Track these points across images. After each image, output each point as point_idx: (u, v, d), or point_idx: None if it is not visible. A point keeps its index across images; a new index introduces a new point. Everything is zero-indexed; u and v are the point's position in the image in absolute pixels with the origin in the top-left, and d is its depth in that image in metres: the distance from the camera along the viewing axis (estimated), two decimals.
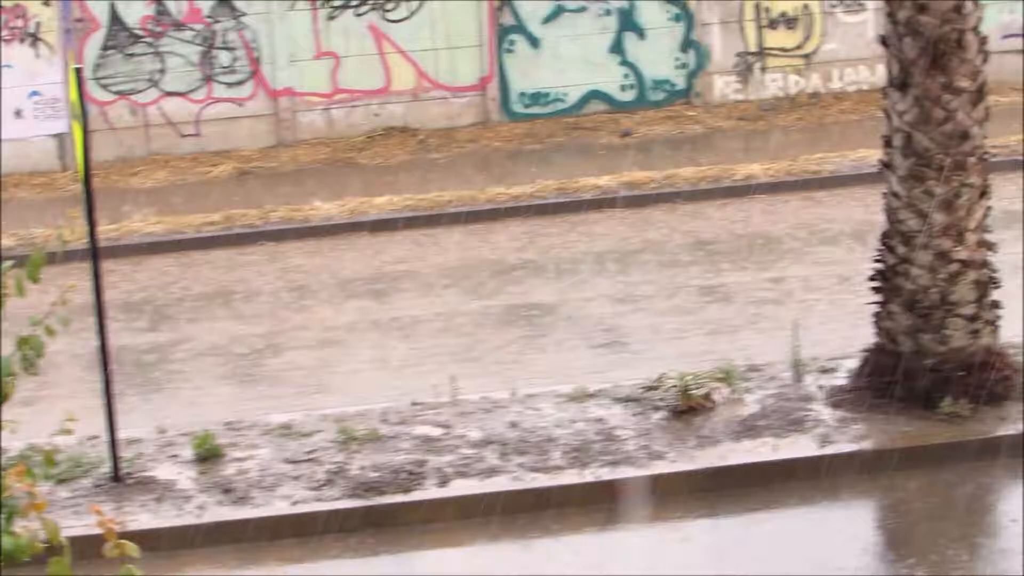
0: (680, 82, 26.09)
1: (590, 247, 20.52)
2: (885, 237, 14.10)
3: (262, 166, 24.41)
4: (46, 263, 8.71)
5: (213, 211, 22.31)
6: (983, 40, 13.83)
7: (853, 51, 25.76)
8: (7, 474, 9.64)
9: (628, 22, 25.92)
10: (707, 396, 14.41)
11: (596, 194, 22.22)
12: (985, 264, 13.93)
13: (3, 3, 24.96)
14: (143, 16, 25.15)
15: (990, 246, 13.94)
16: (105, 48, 25.09)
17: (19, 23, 24.98)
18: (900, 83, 13.85)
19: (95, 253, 13.16)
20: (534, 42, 25.88)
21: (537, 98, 25.91)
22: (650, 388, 14.79)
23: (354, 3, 25.42)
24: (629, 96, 25.99)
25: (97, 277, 13.13)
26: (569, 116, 25.78)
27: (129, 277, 18.40)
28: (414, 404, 14.78)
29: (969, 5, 13.64)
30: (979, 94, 13.74)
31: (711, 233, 20.73)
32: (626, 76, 26.05)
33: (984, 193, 13.82)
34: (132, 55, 25.21)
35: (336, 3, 25.40)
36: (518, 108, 25.88)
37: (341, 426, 14.12)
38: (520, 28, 25.81)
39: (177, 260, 20.89)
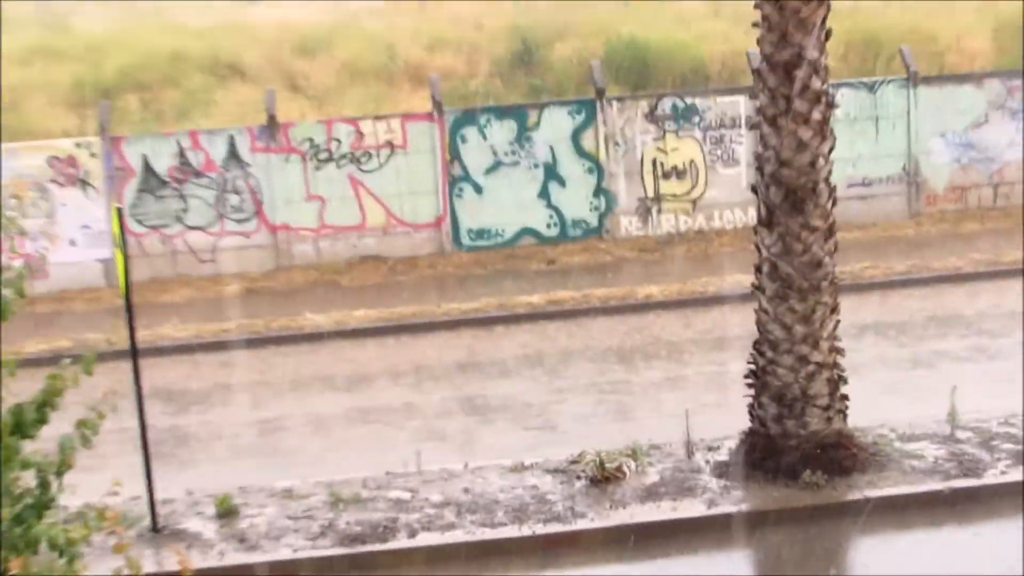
0: (593, 221, 26.32)
1: (524, 351, 20.66)
2: (756, 344, 14.35)
3: (265, 286, 24.51)
4: (96, 360, 8.94)
5: (227, 321, 22.39)
6: (832, 188, 14.07)
7: (730, 197, 26.02)
8: (73, 528, 9.79)
9: (552, 173, 26.16)
10: (619, 468, 14.58)
11: (528, 310, 22.42)
12: (836, 365, 14.21)
13: (59, 155, 25.07)
14: (170, 166, 25.31)
15: (839, 351, 14.23)
16: (140, 191, 25.22)
17: (72, 171, 25.10)
18: (767, 222, 14.07)
19: (134, 353, 13.31)
20: (478, 189, 26.09)
21: (481, 233, 26.09)
22: (573, 462, 14.93)
23: (336, 157, 25.60)
24: (553, 232, 26.19)
25: (136, 371, 13.28)
26: (506, 248, 25.96)
27: (161, 372, 18.38)
28: (388, 473, 14.90)
29: (821, 161, 13.88)
30: (830, 231, 14.00)
31: (619, 340, 20.91)
32: (551, 216, 26.26)
33: (834, 310, 14.10)
34: (161, 197, 25.34)
35: (322, 157, 25.57)
36: (466, 241, 26.04)
37: (331, 490, 14.24)
38: (467, 178, 26.03)
39: (199, 359, 20.95)
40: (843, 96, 23.81)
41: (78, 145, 25.45)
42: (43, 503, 9.00)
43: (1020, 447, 14.78)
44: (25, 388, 8.89)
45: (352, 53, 34.91)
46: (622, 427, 16.73)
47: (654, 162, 26.40)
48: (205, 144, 25.59)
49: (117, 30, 41.42)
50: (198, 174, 25.50)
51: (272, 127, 25.66)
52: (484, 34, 35.77)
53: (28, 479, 8.93)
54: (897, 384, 17.51)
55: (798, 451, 14.09)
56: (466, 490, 14.56)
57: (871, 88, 26.62)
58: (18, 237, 23.81)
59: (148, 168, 25.33)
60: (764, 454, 14.34)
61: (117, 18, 46.52)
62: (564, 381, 19.14)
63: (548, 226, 26.29)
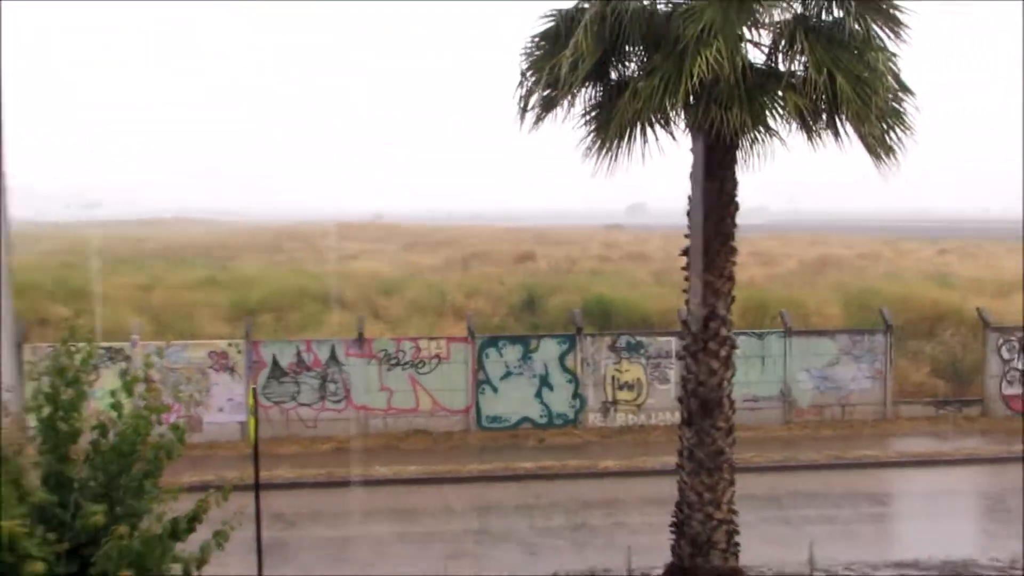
0: (571, 415, 26.12)
1: (520, 499, 20.46)
2: (678, 504, 14.21)
3: (349, 446, 24.25)
4: (231, 490, 8.80)
5: (320, 468, 22.19)
6: (732, 402, 14.08)
7: (663, 404, 25.86)
8: None
9: (544, 382, 26.11)
10: None
11: (524, 472, 22.24)
12: (731, 522, 14.01)
13: (216, 350, 25.17)
14: (290, 362, 25.33)
15: (734, 512, 14.02)
16: (269, 377, 25.19)
17: (224, 361, 25.17)
18: (687, 422, 14.07)
19: (257, 486, 13.15)
20: (495, 389, 25.98)
21: (495, 419, 25.90)
22: None
23: (401, 362, 25.64)
24: (544, 421, 25.98)
25: (257, 500, 13.09)
26: (511, 430, 25.71)
27: (275, 501, 18.09)
28: None
29: (725, 383, 13.91)
30: (730, 430, 14.01)
31: (585, 495, 20.69)
32: (542, 410, 26.09)
33: (732, 483, 13.98)
34: (283, 382, 25.31)
35: (392, 362, 25.60)
36: (485, 424, 25.82)
37: None
38: (487, 381, 25.97)
39: (302, 493, 20.74)
40: (741, 341, 23.86)
41: (229, 344, 25.55)
42: None
43: None
44: (183, 506, 8.79)
45: (416, 295, 35.31)
46: (585, 554, 16.53)
47: (613, 378, 26.39)
48: (315, 349, 25.67)
49: (261, 271, 42.07)
50: (308, 369, 25.52)
51: (360, 340, 25.75)
52: (504, 288, 36.27)
53: (176, 569, 8.76)
54: (772, 536, 17.27)
55: None
56: None
57: (760, 336, 26.84)
58: (185, 405, 23.77)
59: (275, 363, 25.39)
60: None
61: (262, 263, 47.27)
62: (546, 521, 18.93)
63: (540, 416, 26.08)
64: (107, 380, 9.64)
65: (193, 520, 8.88)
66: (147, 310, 31.00)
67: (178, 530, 8.84)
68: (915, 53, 12.95)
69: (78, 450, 8.69)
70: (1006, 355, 27.30)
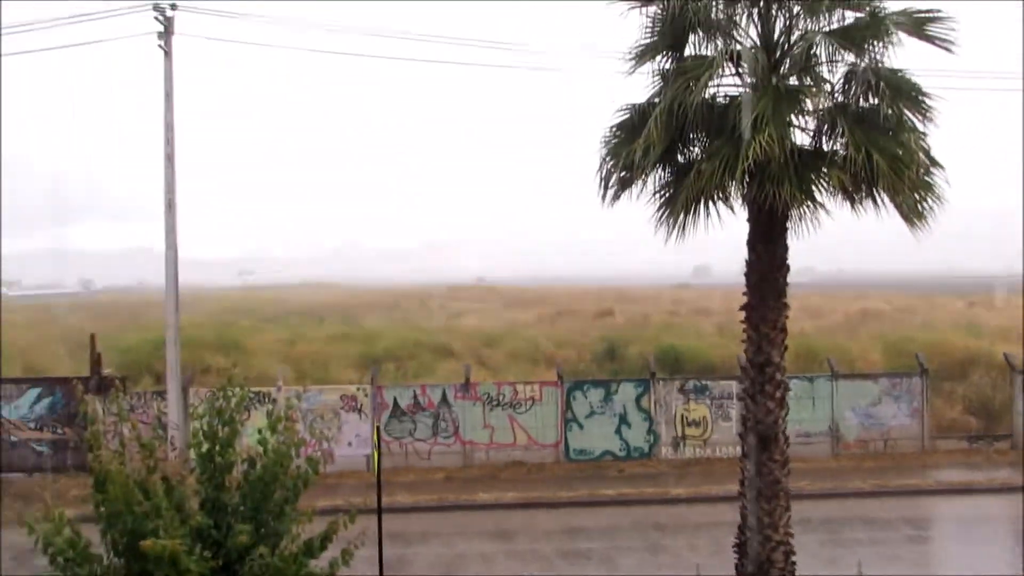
0: (646, 449, 25.75)
1: (605, 521, 20.11)
2: (740, 527, 13.75)
3: (457, 476, 24.22)
4: (358, 514, 8.75)
5: (432, 494, 22.17)
6: (787, 437, 13.69)
7: (726, 439, 25.35)
8: None
9: (623, 420, 25.83)
10: None
11: (607, 499, 21.95)
12: (787, 543, 13.52)
13: (346, 394, 25.42)
14: (408, 403, 25.47)
15: (791, 534, 13.54)
16: (390, 417, 25.34)
17: (353, 403, 25.40)
18: (747, 456, 13.69)
19: (379, 511, 13.11)
20: (580, 426, 25.74)
21: (581, 452, 25.63)
22: None
23: (502, 404, 25.57)
24: (623, 454, 25.64)
25: (379, 522, 13.04)
26: (595, 462, 25.42)
27: (395, 523, 17.97)
28: None
29: (780, 421, 13.53)
30: (784, 463, 13.56)
31: (659, 518, 20.24)
32: (621, 444, 25.76)
33: (787, 508, 13.50)
34: (402, 421, 25.42)
35: (493, 404, 25.58)
36: (573, 456, 25.57)
37: None
38: (574, 419, 25.76)
39: (418, 516, 20.65)
40: (793, 384, 23.29)
41: (358, 389, 25.77)
42: None
43: None
44: (316, 527, 8.79)
45: (514, 346, 35.31)
46: (659, 571, 16.13)
47: (682, 416, 25.97)
48: (429, 392, 25.75)
49: (384, 327, 42.50)
50: (423, 409, 25.58)
51: (467, 385, 25.76)
52: (588, 340, 36.08)
53: None
54: (824, 556, 16.67)
55: None
56: None
57: (810, 380, 26.21)
58: (320, 440, 23.87)
59: (396, 404, 25.52)
60: None
61: (384, 320, 47.77)
62: (625, 542, 18.57)
63: (620, 450, 25.73)
64: (256, 420, 9.75)
65: (325, 540, 8.89)
66: (290, 360, 31.50)
67: (312, 548, 8.86)
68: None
69: (231, 479, 8.78)
70: None
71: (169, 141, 22.27)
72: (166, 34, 21.73)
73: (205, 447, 8.71)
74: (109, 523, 8.02)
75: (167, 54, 21.85)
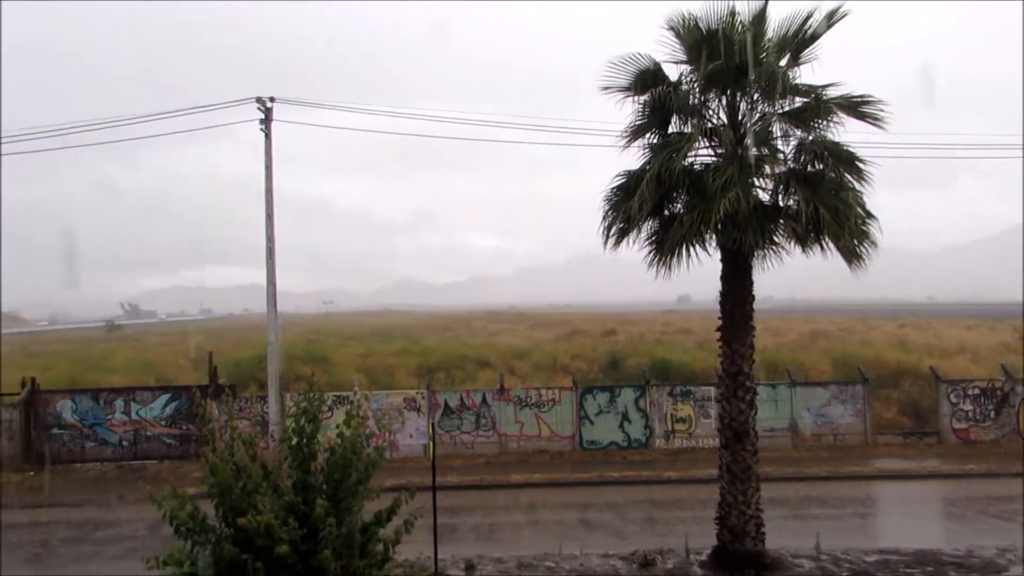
0: (643, 440, 25.38)
1: (609, 498, 19.74)
2: (719, 504, 13.53)
3: (495, 461, 24.00)
4: (416, 492, 8.66)
5: (475, 476, 21.94)
6: (756, 432, 13.50)
7: (707, 432, 24.95)
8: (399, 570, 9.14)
9: (625, 417, 25.51)
10: (653, 561, 13.73)
11: (611, 479, 21.52)
12: (758, 516, 13.29)
13: (408, 396, 25.37)
14: (455, 404, 25.33)
15: (761, 509, 13.29)
16: (442, 415, 25.21)
17: (413, 404, 25.31)
18: (724, 446, 13.52)
19: (434, 488, 13.02)
20: (592, 422, 25.44)
21: (592, 443, 25.33)
22: (632, 554, 14.13)
23: (529, 404, 25.38)
24: (625, 444, 25.29)
25: (434, 499, 12.94)
26: (603, 451, 25.07)
27: (447, 499, 17.81)
28: (544, 554, 14.19)
29: (751, 420, 13.37)
30: (755, 452, 13.38)
31: (653, 496, 19.89)
32: (624, 436, 25.42)
33: (757, 488, 13.31)
34: (451, 418, 25.30)
35: (523, 404, 25.39)
36: (586, 446, 25.24)
37: (519, 561, 13.48)
38: (586, 416, 25.49)
39: (465, 493, 20.40)
40: (760, 389, 22.92)
41: (417, 393, 25.72)
42: (384, 559, 8.71)
43: (855, 568, 13.58)
44: (383, 503, 8.75)
45: (538, 359, 35.18)
46: (653, 537, 15.85)
47: (671, 415, 25.60)
48: (472, 396, 25.61)
49: (437, 344, 42.49)
50: (468, 409, 25.42)
51: (502, 390, 25.60)
52: (596, 354, 35.86)
53: (379, 547, 8.67)
54: (788, 528, 16.31)
55: (741, 559, 13.12)
56: (581, 564, 13.80)
57: (773, 386, 25.79)
58: (387, 432, 23.83)
59: (446, 405, 25.40)
60: (723, 560, 13.36)
61: (437, 338, 47.79)
62: (627, 514, 18.28)
63: (623, 441, 25.40)
64: (337, 417, 9.76)
65: (391, 512, 8.86)
66: (364, 370, 31.58)
67: (381, 519, 8.82)
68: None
69: (316, 464, 8.79)
70: (953, 400, 25.76)
71: (269, 203, 22.55)
72: (266, 120, 22.09)
73: (295, 440, 8.73)
74: (219, 500, 8.05)
75: (267, 136, 22.18)
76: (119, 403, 25.12)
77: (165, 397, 25.32)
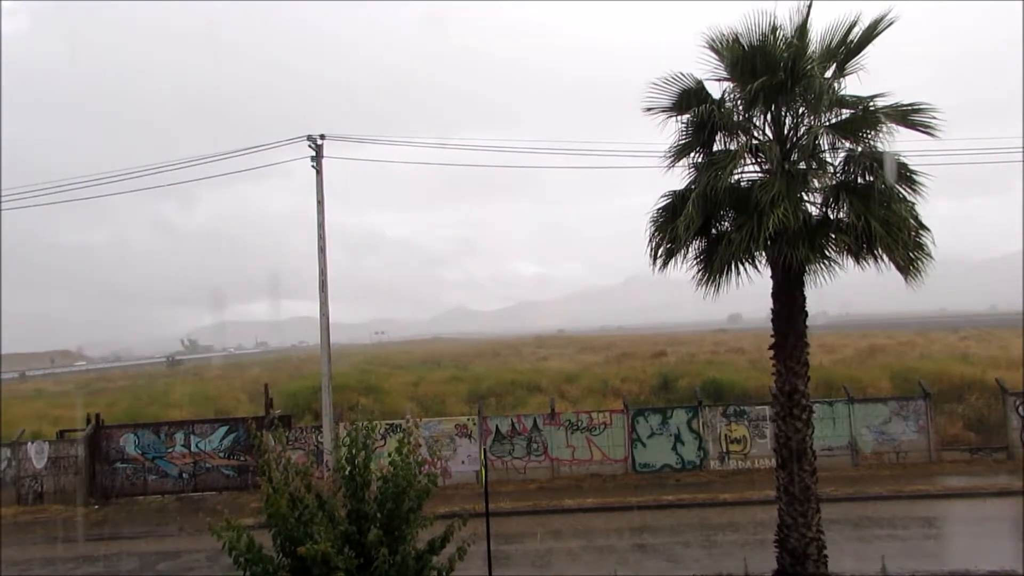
0: (698, 462, 24.90)
1: (665, 521, 19.36)
2: (779, 525, 13.13)
3: (547, 486, 23.75)
4: (469, 518, 8.55)
5: (528, 501, 21.75)
6: (814, 451, 13.12)
7: (763, 452, 24.38)
8: None
9: (678, 439, 25.09)
10: None
11: (666, 503, 21.09)
12: (819, 539, 12.86)
13: (459, 423, 25.34)
14: (507, 429, 25.23)
15: (822, 531, 12.86)
16: (494, 441, 25.12)
17: (464, 430, 25.27)
18: (781, 466, 13.16)
19: (487, 515, 12.90)
20: (644, 445, 25.07)
21: (645, 465, 24.93)
22: None
23: (580, 428, 25.13)
24: (678, 466, 24.84)
25: (487, 524, 12.82)
26: (656, 473, 24.65)
27: (501, 525, 17.63)
28: None
29: (807, 439, 13.01)
30: (812, 472, 13.00)
31: (709, 518, 19.44)
32: (677, 458, 24.98)
33: (818, 510, 12.87)
34: (503, 443, 25.18)
35: (574, 428, 25.18)
36: (638, 469, 24.84)
37: None
38: (639, 439, 25.13)
39: (517, 519, 20.25)
40: (816, 407, 22.40)
41: (468, 419, 25.69)
42: None
43: None
44: (437, 530, 8.67)
45: (589, 382, 34.89)
46: (710, 561, 15.46)
47: (725, 435, 25.09)
48: (523, 421, 25.46)
49: (487, 370, 42.50)
50: (519, 434, 25.29)
51: (552, 414, 25.43)
52: (646, 376, 35.43)
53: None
54: (851, 550, 15.74)
55: None
56: None
57: (830, 404, 25.09)
58: (439, 460, 23.82)
59: (498, 430, 25.31)
60: None
61: (487, 365, 47.80)
62: (683, 537, 17.87)
63: (676, 463, 24.96)
64: (389, 445, 9.76)
65: (444, 540, 8.78)
66: (415, 398, 31.74)
67: (434, 547, 8.75)
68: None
69: (370, 493, 8.77)
70: (1022, 412, 24.72)
71: (321, 237, 22.93)
72: (317, 157, 22.55)
73: (348, 469, 8.74)
74: (276, 530, 8.09)
75: (318, 172, 22.62)
76: (179, 436, 25.62)
77: (223, 429, 25.74)
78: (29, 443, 25.34)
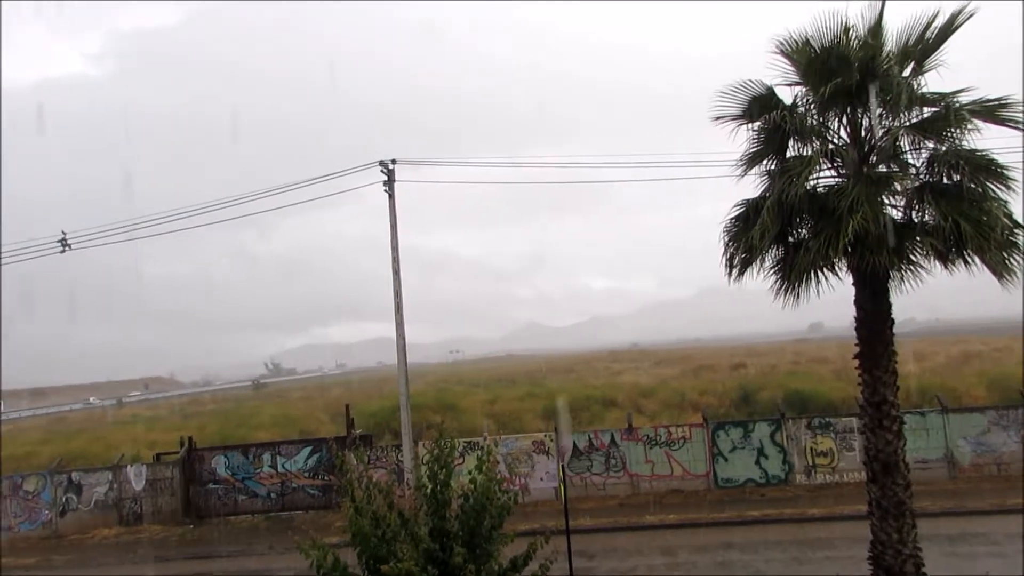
0: (783, 476, 24.17)
1: (751, 537, 18.80)
2: (872, 542, 12.56)
3: (627, 503, 23.45)
4: (551, 536, 8.49)
5: (608, 518, 21.55)
6: (907, 464, 12.53)
7: (851, 466, 23.53)
8: None
9: (761, 453, 24.43)
10: None
11: (751, 519, 20.53)
12: (916, 556, 12.24)
13: (537, 439, 25.25)
14: (584, 444, 25.11)
15: (919, 548, 12.25)
16: (572, 457, 24.94)
17: (542, 447, 25.19)
18: (873, 480, 12.60)
19: (568, 532, 12.76)
20: (726, 459, 24.51)
21: (727, 480, 24.34)
22: None
23: (659, 443, 24.75)
24: (763, 481, 24.17)
25: (568, 542, 12.68)
26: (739, 488, 24.07)
27: (581, 542, 17.37)
28: None
29: (899, 451, 12.43)
30: (907, 486, 12.39)
31: (798, 535, 18.75)
32: (761, 473, 24.30)
33: (914, 525, 12.27)
34: (580, 460, 24.96)
35: (652, 443, 24.77)
36: (721, 484, 24.31)
37: None
38: (720, 453, 24.58)
39: (598, 536, 20.00)
40: (908, 418, 21.45)
41: (545, 435, 25.61)
42: None
43: None
44: (518, 547, 8.64)
45: (665, 397, 34.38)
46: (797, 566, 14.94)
47: (811, 448, 24.28)
48: (600, 436, 25.23)
49: (562, 386, 42.33)
50: (597, 449, 25.06)
51: (630, 429, 25.11)
52: (726, 388, 34.69)
53: None
54: (952, 568, 14.95)
55: None
56: None
57: (923, 414, 24.01)
58: (517, 477, 23.79)
59: (576, 447, 25.13)
60: None
61: (561, 381, 47.62)
62: (770, 555, 17.30)
63: (760, 478, 24.28)
64: (468, 463, 9.80)
65: (527, 558, 8.75)
66: (492, 416, 31.83)
67: (517, 565, 8.71)
68: None
69: (451, 511, 8.82)
70: None
71: (395, 259, 23.34)
72: (389, 181, 23.00)
73: (429, 487, 8.81)
74: (360, 549, 8.20)
75: (390, 196, 23.07)
76: (266, 457, 26.35)
77: (307, 450, 26.35)
78: (128, 466, 26.49)
